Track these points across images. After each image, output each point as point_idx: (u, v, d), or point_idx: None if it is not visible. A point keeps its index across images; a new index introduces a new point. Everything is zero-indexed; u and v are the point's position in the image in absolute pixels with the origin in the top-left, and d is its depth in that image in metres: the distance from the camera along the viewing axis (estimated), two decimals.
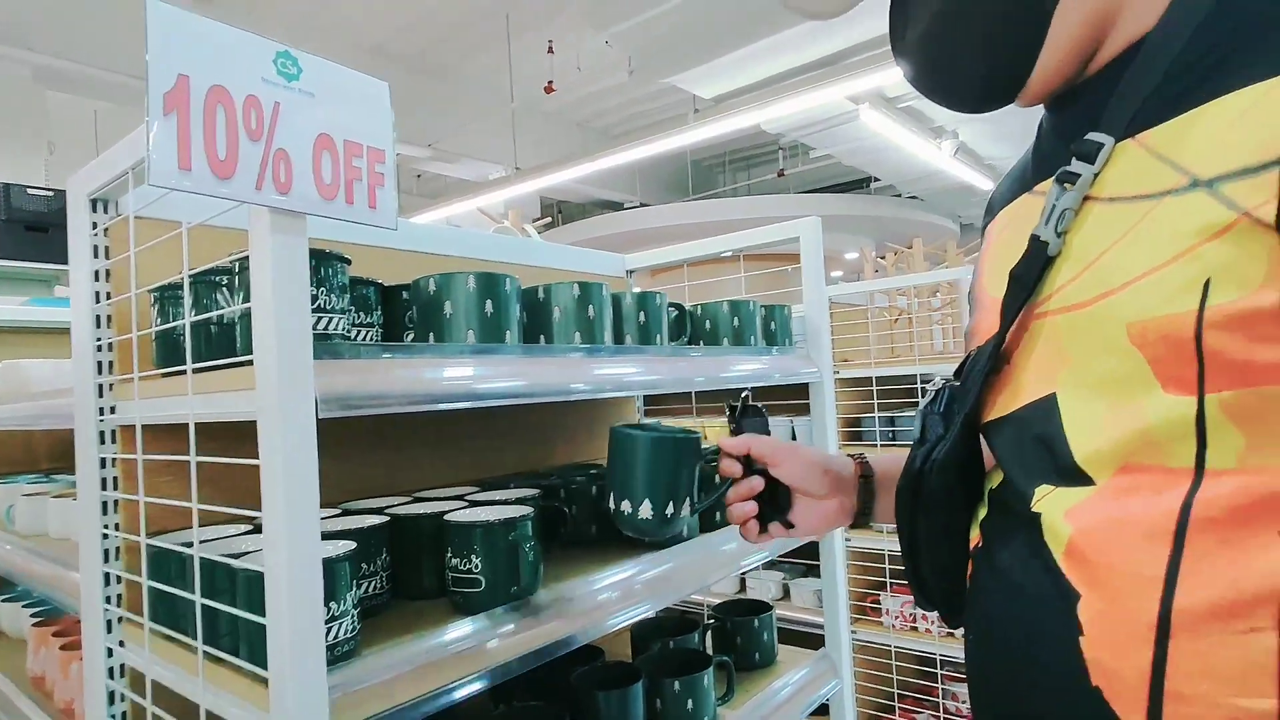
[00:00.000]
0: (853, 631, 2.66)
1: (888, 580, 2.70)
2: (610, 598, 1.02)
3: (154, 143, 0.53)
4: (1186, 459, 0.44)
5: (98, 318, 0.90)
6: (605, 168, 6.27)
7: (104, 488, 0.90)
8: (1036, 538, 0.51)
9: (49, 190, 3.23)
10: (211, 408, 0.71)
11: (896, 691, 2.61)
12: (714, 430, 2.97)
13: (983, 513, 0.61)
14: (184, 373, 0.72)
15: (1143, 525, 0.46)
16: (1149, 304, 0.45)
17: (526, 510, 0.90)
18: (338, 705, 0.67)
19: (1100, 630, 0.47)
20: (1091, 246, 0.50)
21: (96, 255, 0.90)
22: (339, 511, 0.99)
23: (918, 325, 2.79)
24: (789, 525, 0.77)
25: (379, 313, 0.91)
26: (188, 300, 0.74)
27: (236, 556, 0.71)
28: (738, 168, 11.37)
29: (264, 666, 0.63)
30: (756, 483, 0.75)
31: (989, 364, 0.56)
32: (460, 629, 0.83)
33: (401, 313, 0.94)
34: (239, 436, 0.66)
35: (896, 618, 2.63)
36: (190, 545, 0.73)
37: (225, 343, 0.77)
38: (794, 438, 2.80)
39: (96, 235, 0.90)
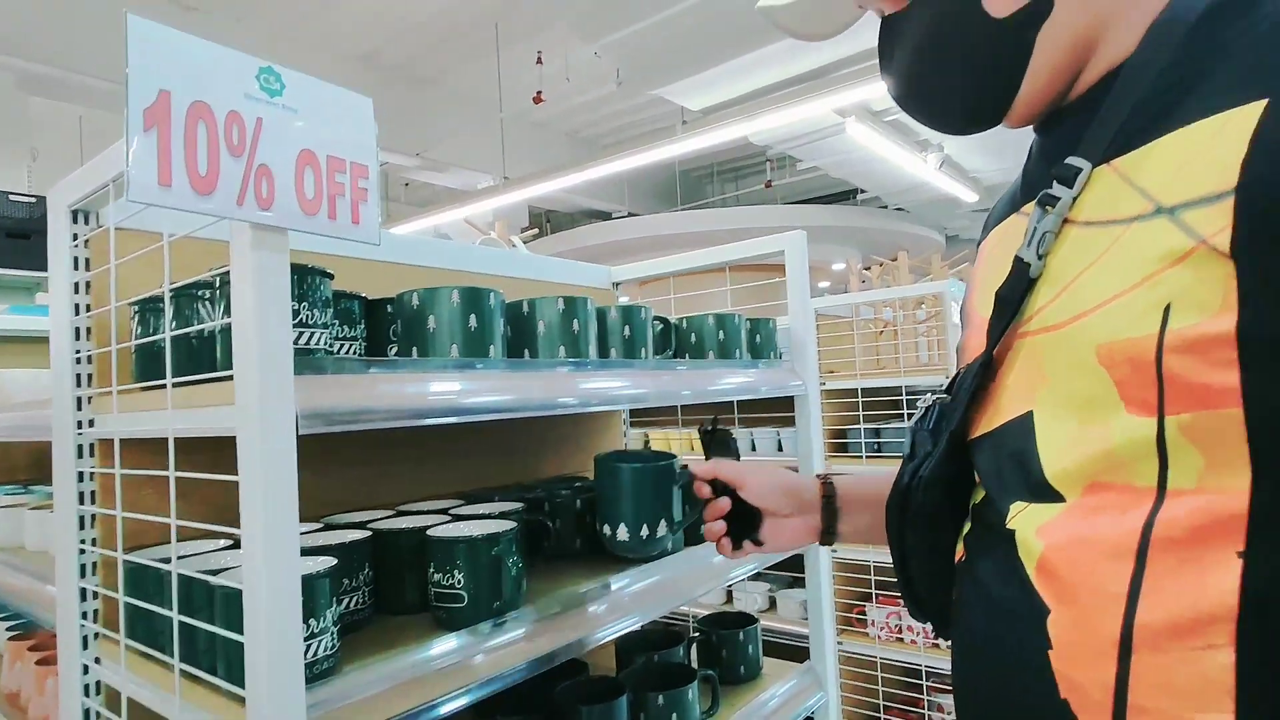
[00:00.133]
0: (839, 643, 2.67)
1: (873, 591, 2.70)
2: (596, 611, 1.01)
3: (133, 158, 0.53)
4: (1150, 479, 0.45)
5: (77, 330, 0.89)
6: (594, 178, 6.28)
7: (81, 502, 0.89)
8: (1011, 553, 0.53)
9: (31, 197, 3.21)
10: (191, 422, 0.70)
11: (882, 703, 2.61)
12: (699, 442, 2.97)
13: (967, 527, 0.62)
14: (164, 387, 0.72)
15: (1107, 544, 0.47)
16: (1116, 326, 0.46)
17: (509, 525, 0.90)
18: None
19: (1068, 645, 0.48)
20: (1069, 269, 0.51)
21: (77, 267, 0.89)
22: (321, 525, 0.98)
23: (903, 337, 2.81)
24: (758, 543, 0.84)
25: (362, 326, 0.91)
26: (168, 314, 0.73)
27: (214, 573, 0.70)
28: (726, 178, 11.43)
29: (241, 685, 0.62)
30: (724, 504, 0.82)
31: (975, 382, 0.57)
32: (442, 645, 0.82)
33: (386, 326, 0.94)
34: (220, 451, 0.65)
35: (882, 629, 2.64)
36: (168, 561, 0.73)
37: (206, 357, 0.76)
38: (780, 449, 2.81)
39: (77, 247, 0.89)
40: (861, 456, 2.66)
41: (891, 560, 0.67)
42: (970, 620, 0.58)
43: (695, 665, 1.35)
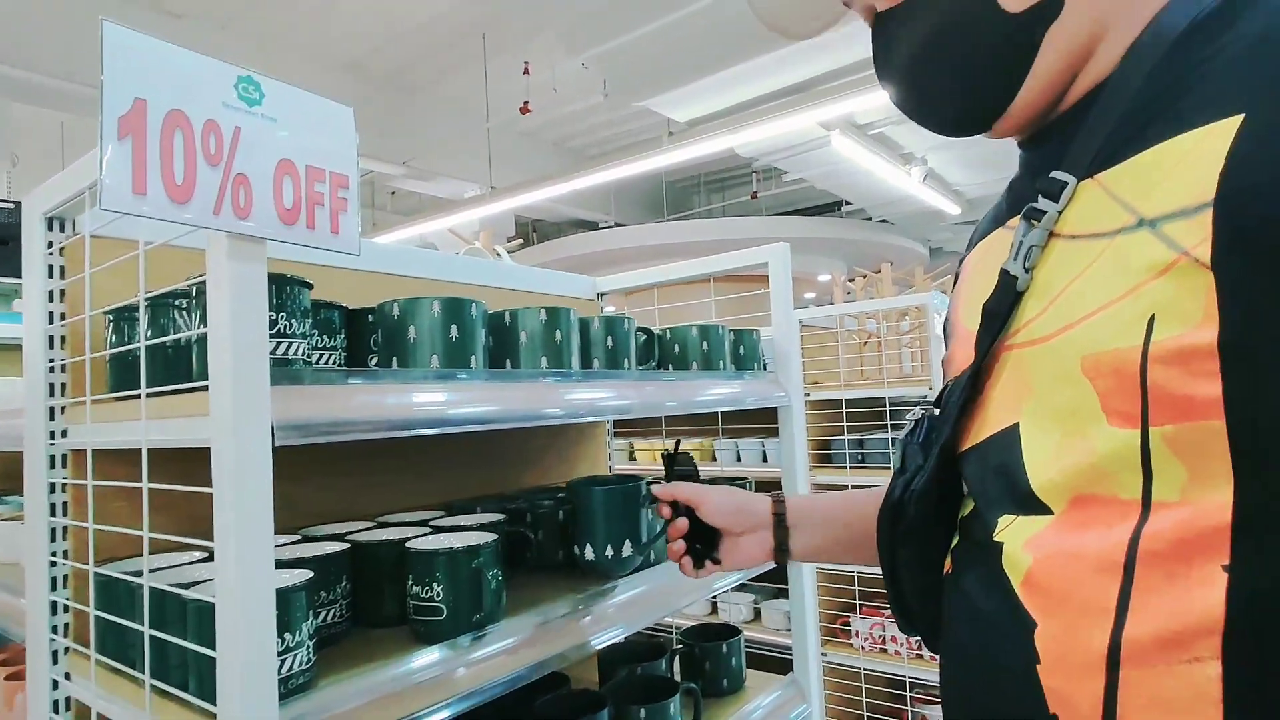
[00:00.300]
0: (823, 654, 2.66)
1: (857, 603, 2.71)
2: (579, 623, 1.01)
3: (107, 166, 0.52)
4: (1134, 491, 0.45)
5: (51, 338, 0.88)
6: (580, 188, 6.30)
7: (53, 514, 0.87)
8: (998, 566, 0.52)
9: (10, 203, 3.16)
10: (165, 434, 0.69)
11: (866, 715, 2.61)
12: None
13: (955, 540, 0.62)
14: (138, 397, 0.71)
15: (1095, 557, 0.47)
16: (1101, 338, 0.47)
17: (489, 537, 0.89)
18: None
19: (1056, 659, 0.48)
20: (1055, 282, 0.51)
21: (52, 275, 0.88)
22: (299, 537, 0.97)
23: (886, 349, 2.83)
24: (717, 561, 0.88)
25: (343, 336, 0.90)
26: (143, 323, 0.72)
27: (188, 586, 0.69)
28: (712, 189, 11.49)
29: (213, 701, 0.61)
30: (682, 523, 0.87)
31: (964, 395, 0.58)
32: (420, 659, 0.81)
33: (366, 336, 0.93)
34: (197, 462, 0.65)
35: (866, 640, 2.64)
36: (140, 574, 0.71)
37: (182, 367, 0.75)
38: (765, 460, 2.81)
39: (52, 254, 0.88)
40: (846, 467, 2.67)
41: (881, 574, 0.67)
42: (958, 633, 0.58)
43: (678, 678, 1.34)
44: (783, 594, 2.81)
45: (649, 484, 1.01)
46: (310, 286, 0.78)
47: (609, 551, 1.00)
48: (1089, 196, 0.51)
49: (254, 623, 0.59)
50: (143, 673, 0.70)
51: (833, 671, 2.69)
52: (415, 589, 0.84)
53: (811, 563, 0.87)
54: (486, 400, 0.86)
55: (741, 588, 2.90)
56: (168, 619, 0.70)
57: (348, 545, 0.88)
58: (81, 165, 0.78)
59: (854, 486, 2.48)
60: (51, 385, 0.88)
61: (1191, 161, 0.44)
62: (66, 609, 0.87)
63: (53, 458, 0.88)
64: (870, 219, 10.54)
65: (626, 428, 3.05)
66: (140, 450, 0.71)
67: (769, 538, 0.85)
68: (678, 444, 0.97)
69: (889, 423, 2.64)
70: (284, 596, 0.67)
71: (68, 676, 0.86)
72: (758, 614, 2.86)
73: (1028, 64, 0.54)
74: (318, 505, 1.16)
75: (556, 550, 1.14)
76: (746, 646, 1.45)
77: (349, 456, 1.21)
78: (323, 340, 0.87)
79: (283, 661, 0.67)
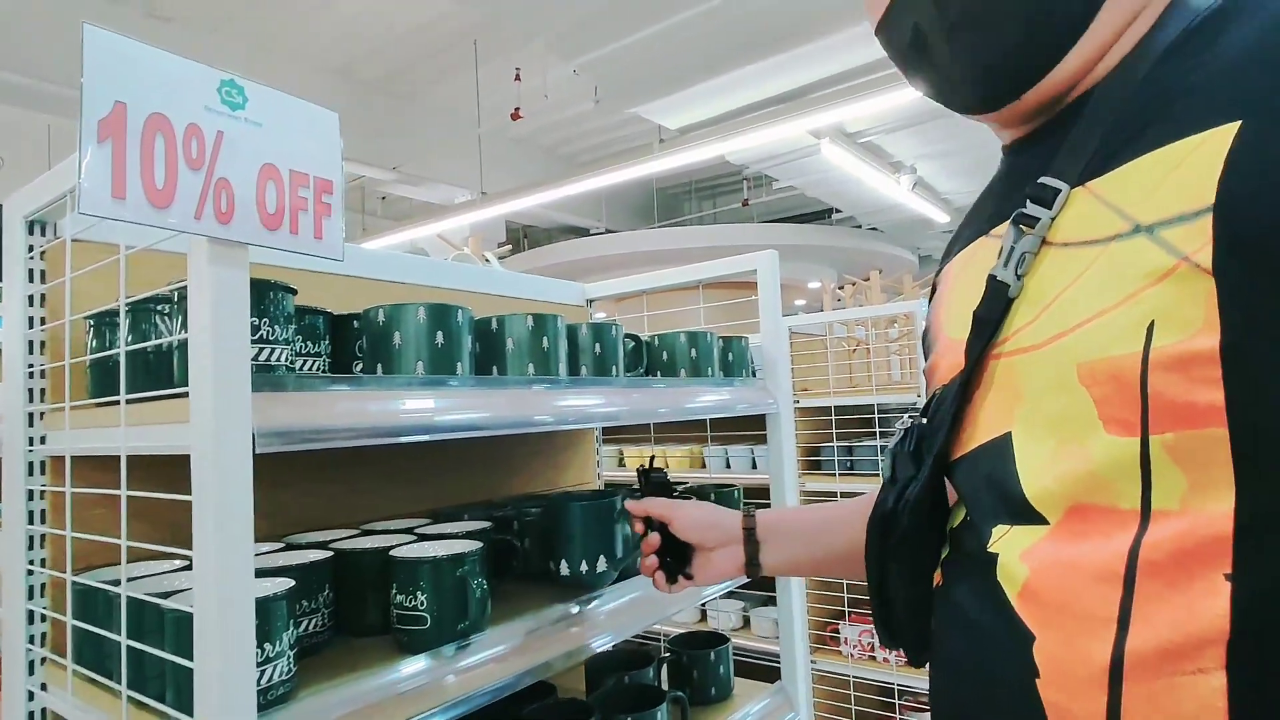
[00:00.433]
0: (812, 661, 2.66)
1: (846, 609, 2.71)
2: (566, 631, 1.00)
3: (86, 170, 0.51)
4: (1133, 500, 0.45)
5: (30, 343, 0.87)
6: (571, 194, 6.29)
7: (31, 521, 0.86)
8: (992, 578, 0.52)
9: None
10: (145, 440, 0.69)
11: None
12: (674, 459, 2.97)
13: (945, 551, 0.61)
14: (117, 403, 0.70)
15: (1094, 568, 0.46)
16: (1097, 345, 0.46)
17: (474, 545, 0.89)
18: None
19: (1056, 672, 0.47)
20: (1047, 290, 0.51)
21: (32, 279, 0.87)
22: (283, 545, 0.96)
23: (875, 356, 2.84)
24: (689, 576, 0.89)
25: (327, 342, 0.90)
26: (124, 328, 0.71)
27: (166, 595, 0.68)
28: (703, 196, 11.52)
29: (191, 713, 0.60)
30: (654, 539, 0.88)
31: (955, 403, 0.57)
32: (403, 668, 0.80)
33: (352, 342, 0.92)
34: (178, 469, 0.64)
35: (855, 647, 2.64)
36: (118, 583, 0.70)
37: (163, 373, 0.75)
38: (755, 466, 2.81)
39: (33, 258, 0.87)
40: (835, 474, 2.67)
41: (867, 585, 0.65)
42: (950, 647, 0.57)
43: (666, 686, 1.33)
44: (772, 601, 2.80)
45: (624, 499, 1.01)
46: (294, 292, 0.78)
47: (584, 567, 1.01)
48: (1081, 204, 0.50)
49: (232, 633, 0.58)
50: (120, 684, 0.69)
51: (822, 679, 2.68)
52: (399, 598, 0.84)
53: (780, 575, 0.87)
54: (472, 407, 0.85)
55: (730, 595, 2.90)
56: (146, 629, 0.69)
57: (331, 553, 0.87)
58: (63, 168, 0.77)
59: (843, 494, 2.48)
60: (31, 391, 0.87)
61: (1188, 167, 0.44)
62: (44, 618, 0.86)
63: (31, 464, 0.87)
64: (860, 226, 10.59)
65: (615, 434, 3.05)
66: (119, 457, 0.70)
67: (740, 552, 0.85)
68: (652, 459, 0.99)
69: (878, 430, 2.65)
70: (264, 606, 0.66)
71: (44, 687, 0.85)
72: (747, 621, 2.85)
73: (1086, 21, 0.52)
74: (302, 512, 1.15)
75: (544, 558, 1.14)
76: (736, 654, 1.45)
77: (335, 463, 1.20)
78: (307, 346, 0.86)
79: (262, 672, 0.66)
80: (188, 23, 5.36)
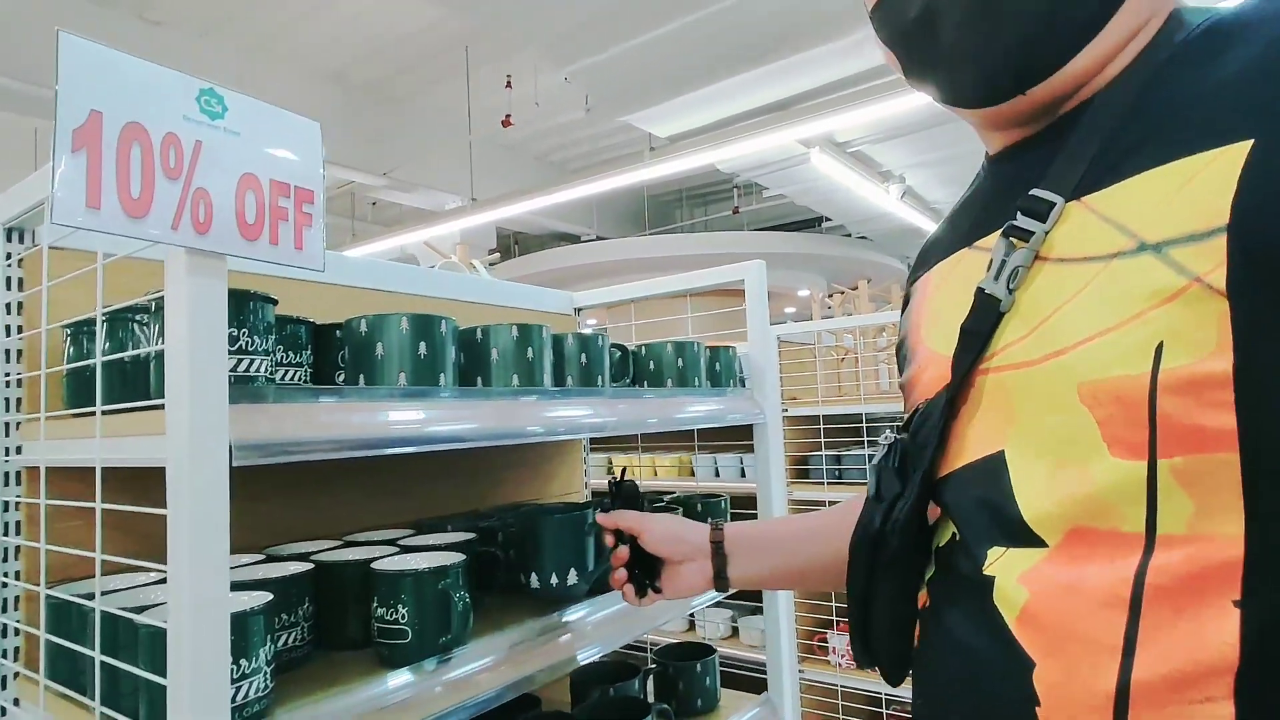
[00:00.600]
0: (800, 670, 2.65)
1: (834, 619, 2.70)
2: (552, 643, 0.99)
3: (60, 179, 0.51)
4: (1137, 524, 0.44)
5: (7, 352, 0.86)
6: (562, 201, 6.30)
7: (5, 533, 0.85)
8: (988, 602, 0.50)
9: None
10: (120, 452, 0.68)
11: None
12: (663, 468, 2.97)
13: (930, 571, 0.59)
14: (93, 414, 0.69)
15: (1098, 593, 0.45)
16: (1101, 364, 0.45)
17: (457, 557, 0.88)
18: None
19: (1059, 701, 0.45)
20: (1041, 305, 0.50)
21: (10, 287, 0.86)
22: (262, 557, 0.95)
23: (863, 364, 2.84)
24: (659, 590, 0.88)
25: (309, 352, 0.89)
26: (100, 338, 0.70)
27: (142, 610, 0.67)
28: (694, 203, 11.55)
29: None
30: (623, 552, 0.88)
31: (943, 419, 0.55)
32: (384, 683, 0.79)
33: (334, 352, 0.91)
34: (155, 481, 0.63)
35: (843, 656, 2.63)
36: (92, 597, 0.69)
37: (140, 384, 0.74)
38: (744, 475, 2.80)
39: (10, 266, 0.86)
40: (823, 483, 2.67)
41: (849, 603, 0.63)
42: (940, 671, 0.55)
43: (651, 698, 1.32)
44: (761, 610, 2.80)
45: (594, 511, 1.01)
46: (275, 302, 0.77)
47: (554, 580, 1.00)
48: (1076, 218, 0.49)
49: (206, 649, 0.57)
50: (93, 700, 0.68)
51: (810, 688, 2.68)
52: (380, 611, 0.83)
53: (749, 588, 0.86)
54: (457, 418, 0.85)
55: (719, 604, 2.89)
56: (120, 644, 0.68)
57: (310, 566, 0.86)
58: (41, 175, 0.76)
59: (831, 503, 2.48)
60: (7, 400, 0.85)
61: (1198, 185, 0.43)
62: (17, 632, 0.85)
63: (6, 474, 0.85)
64: (850, 235, 10.64)
65: (603, 443, 3.04)
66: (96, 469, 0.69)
67: (708, 566, 0.85)
68: (624, 471, 1.00)
69: (865, 439, 2.65)
70: (240, 621, 0.65)
71: (16, 703, 0.83)
72: (735, 631, 2.84)
73: (1104, 21, 0.50)
74: (284, 523, 1.14)
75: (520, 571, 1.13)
76: (724, 664, 1.44)
77: (318, 473, 1.19)
78: (288, 356, 0.85)
79: (237, 689, 0.65)
80: (179, 27, 5.34)
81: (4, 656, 0.84)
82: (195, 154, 0.58)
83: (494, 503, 1.49)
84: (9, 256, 0.86)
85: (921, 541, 0.60)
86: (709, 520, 0.88)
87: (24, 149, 6.46)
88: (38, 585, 0.79)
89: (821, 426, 2.72)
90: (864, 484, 0.68)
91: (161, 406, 0.60)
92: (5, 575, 0.84)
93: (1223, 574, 0.41)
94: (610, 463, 3.05)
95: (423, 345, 0.85)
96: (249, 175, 0.61)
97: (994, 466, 0.51)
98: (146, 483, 0.69)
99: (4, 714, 0.83)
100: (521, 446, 1.58)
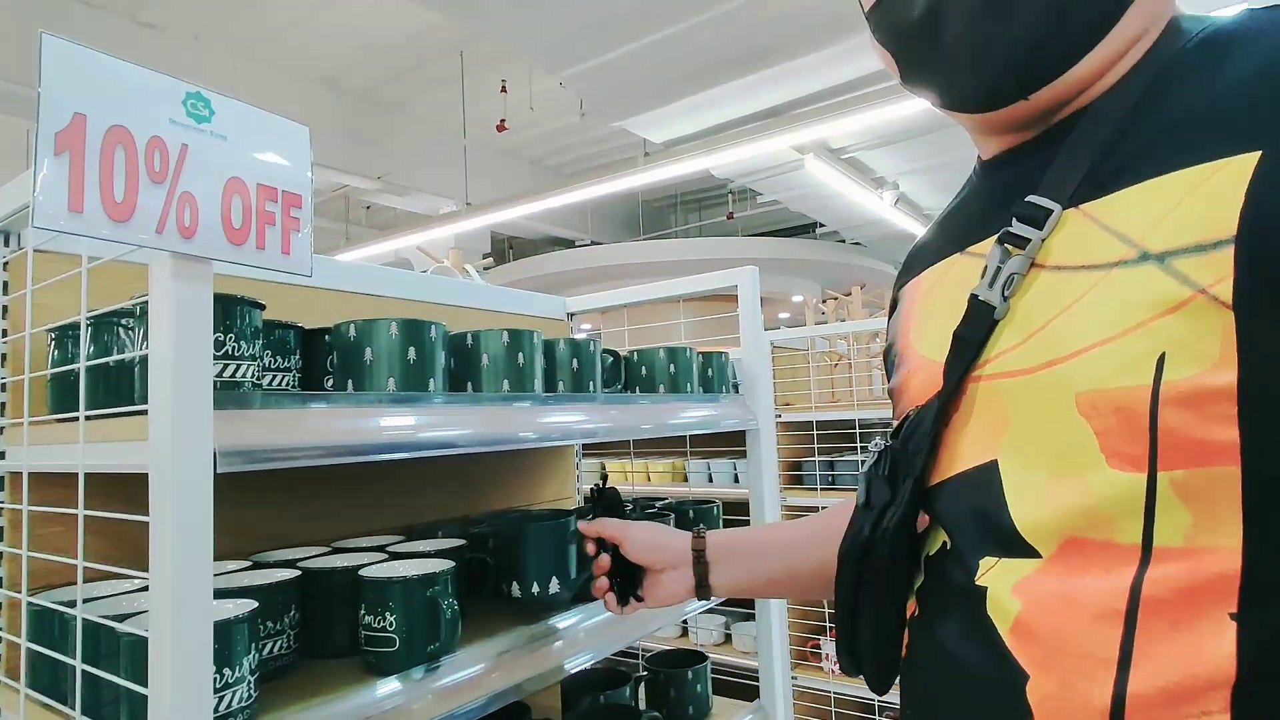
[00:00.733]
0: (793, 677, 2.65)
1: (827, 625, 2.70)
2: (543, 650, 0.98)
3: (41, 183, 0.50)
4: (1134, 536, 0.43)
5: None
6: (556, 205, 6.29)
7: None
8: (980, 613, 0.49)
9: None
10: (103, 458, 0.67)
11: None
12: (656, 473, 2.96)
13: (919, 580, 0.59)
14: (76, 419, 0.68)
15: (1093, 605, 0.44)
16: (1100, 375, 0.44)
17: (445, 564, 0.87)
18: None
19: (1052, 714, 0.45)
20: (1037, 313, 0.49)
21: None
22: (249, 564, 0.94)
23: (857, 370, 2.85)
24: (640, 598, 0.87)
25: (297, 357, 0.88)
26: (84, 342, 0.70)
27: (124, 618, 0.66)
28: (689, 209, 11.56)
29: None
30: (605, 560, 0.87)
31: (935, 427, 0.54)
32: (371, 692, 0.79)
33: (323, 357, 0.91)
34: (140, 488, 0.62)
35: (836, 663, 2.63)
36: (74, 604, 0.68)
37: (125, 389, 0.73)
38: (737, 480, 2.80)
39: None
40: (816, 489, 2.67)
41: (836, 611, 0.63)
42: (928, 681, 0.55)
43: (643, 706, 1.32)
44: (754, 617, 2.79)
45: (576, 520, 1.00)
46: (262, 307, 0.76)
47: (535, 588, 0.98)
48: (1074, 226, 0.49)
49: (188, 658, 0.56)
50: (74, 709, 0.67)
51: (803, 695, 2.67)
52: (367, 618, 0.82)
53: (731, 596, 0.85)
54: (447, 424, 0.84)
55: (712, 610, 2.88)
56: (102, 652, 0.67)
57: (297, 573, 0.85)
58: (25, 177, 0.75)
59: (824, 508, 2.48)
60: None
61: (1203, 196, 0.43)
62: None
63: None
64: (844, 241, 10.67)
65: (596, 449, 3.03)
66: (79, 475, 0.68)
67: (690, 575, 0.84)
68: (605, 479, 0.98)
69: (859, 445, 2.65)
70: (223, 630, 0.64)
71: None
72: (729, 637, 2.84)
73: (1111, 22, 0.50)
74: (272, 529, 1.13)
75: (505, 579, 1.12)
76: (717, 670, 1.43)
77: (306, 478, 1.18)
78: (276, 361, 0.85)
79: (220, 698, 0.64)
80: (173, 30, 5.32)
81: None
82: (181, 157, 0.57)
83: (486, 508, 1.49)
84: None
85: (911, 550, 0.59)
86: (699, 526, 0.87)
87: (16, 150, 6.43)
88: (19, 592, 0.78)
89: (815, 432, 2.71)
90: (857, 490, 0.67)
91: (145, 412, 0.59)
92: None
93: (1220, 587, 0.41)
94: (603, 468, 3.05)
95: (412, 350, 0.85)
96: (236, 179, 0.61)
97: (987, 476, 0.51)
98: (132, 489, 0.68)
99: None
100: (514, 452, 1.57)
